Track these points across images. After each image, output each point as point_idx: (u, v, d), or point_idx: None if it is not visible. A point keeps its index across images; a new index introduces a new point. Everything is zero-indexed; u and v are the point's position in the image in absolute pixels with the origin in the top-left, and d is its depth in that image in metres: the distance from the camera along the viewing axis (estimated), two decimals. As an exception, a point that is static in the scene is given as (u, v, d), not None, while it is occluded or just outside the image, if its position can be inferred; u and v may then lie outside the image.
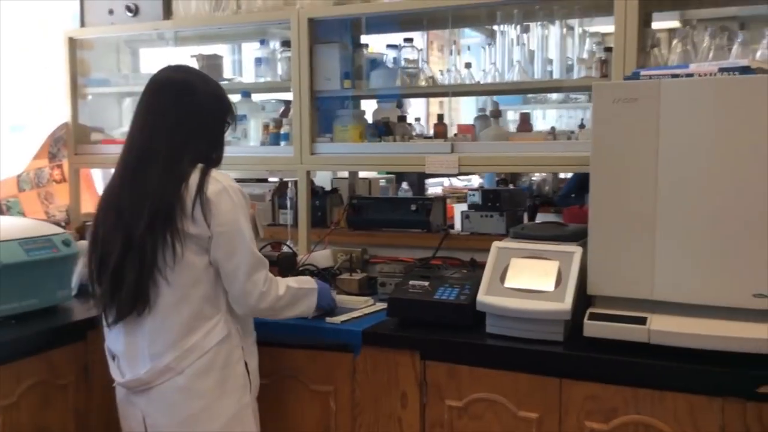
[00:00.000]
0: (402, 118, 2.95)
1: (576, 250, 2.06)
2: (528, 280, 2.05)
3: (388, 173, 3.85)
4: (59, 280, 2.41)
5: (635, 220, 1.94)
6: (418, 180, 4.58)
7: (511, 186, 6.21)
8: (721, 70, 1.95)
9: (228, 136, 2.14)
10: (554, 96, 5.78)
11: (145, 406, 1.89)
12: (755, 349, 1.78)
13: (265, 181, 3.58)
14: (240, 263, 1.86)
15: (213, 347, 1.86)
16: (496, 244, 2.15)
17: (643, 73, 2.06)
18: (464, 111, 6.15)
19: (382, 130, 2.86)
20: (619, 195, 1.97)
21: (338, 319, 2.23)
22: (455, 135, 2.78)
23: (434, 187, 5.88)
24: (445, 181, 6.36)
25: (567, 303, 1.97)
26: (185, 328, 1.85)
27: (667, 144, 1.90)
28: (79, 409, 2.31)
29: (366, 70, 2.90)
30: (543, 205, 3.65)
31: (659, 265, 1.92)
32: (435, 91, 3.18)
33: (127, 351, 1.90)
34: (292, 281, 2.05)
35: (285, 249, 2.62)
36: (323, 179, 3.41)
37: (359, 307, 2.36)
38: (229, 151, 2.13)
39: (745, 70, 1.91)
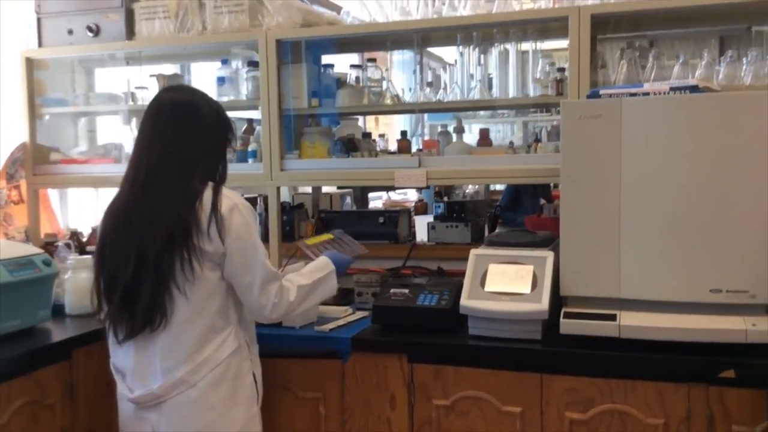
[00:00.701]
0: (367, 135, 3.07)
1: (548, 255, 2.23)
2: (506, 283, 2.21)
3: (343, 188, 3.96)
4: (40, 300, 2.41)
5: (602, 226, 2.13)
6: (361, 194, 4.72)
7: (446, 198, 6.46)
8: (673, 89, 2.17)
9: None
10: (482, 113, 6.09)
11: (156, 420, 1.92)
12: (715, 339, 2.00)
13: (225, 197, 3.62)
14: (254, 277, 1.94)
15: (225, 359, 1.92)
16: (474, 252, 2.30)
17: (602, 92, 2.26)
18: (396, 127, 6.37)
19: (347, 146, 2.98)
20: (586, 203, 2.15)
21: (326, 327, 2.33)
22: (420, 150, 2.93)
23: (375, 201, 6.03)
24: (384, 195, 6.55)
25: (544, 303, 2.13)
26: (199, 341, 1.90)
27: (629, 156, 2.10)
28: (66, 428, 2.30)
29: (333, 90, 3.02)
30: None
31: (624, 266, 2.11)
32: (400, 108, 3.33)
33: (137, 367, 1.94)
34: (305, 277, 2.12)
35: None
36: (282, 194, 3.49)
37: (341, 316, 2.46)
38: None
39: (694, 89, 2.14)
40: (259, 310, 1.97)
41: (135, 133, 3.29)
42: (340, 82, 3.07)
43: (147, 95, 3.31)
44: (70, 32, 3.21)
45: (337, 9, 3.32)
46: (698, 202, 2.04)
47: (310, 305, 2.15)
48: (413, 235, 3.15)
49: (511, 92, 2.89)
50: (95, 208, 3.63)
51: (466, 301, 2.20)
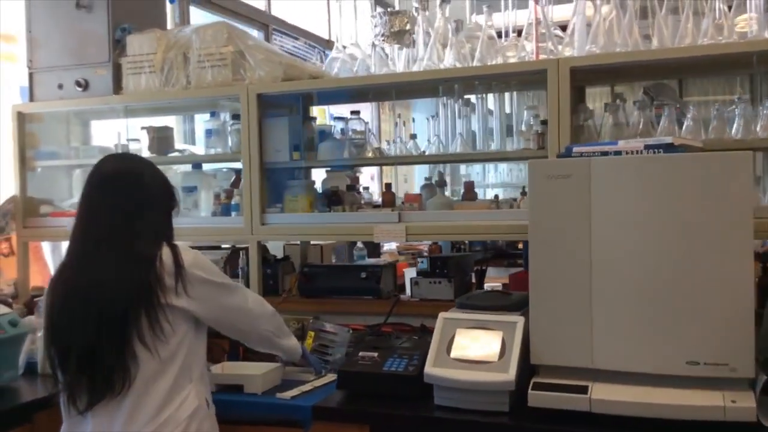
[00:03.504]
0: (351, 187, 3.01)
1: (518, 320, 2.12)
2: (473, 350, 2.10)
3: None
4: (6, 361, 2.38)
5: (572, 290, 2.02)
6: (350, 243, 4.62)
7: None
8: (647, 147, 2.06)
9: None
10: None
11: None
12: (691, 416, 1.86)
13: (219, 248, 3.59)
14: (243, 298, 2.12)
15: (185, 419, 1.87)
16: (442, 315, 2.21)
17: (575, 149, 2.16)
18: (417, 175, 6.32)
19: (330, 199, 2.92)
20: (556, 266, 2.04)
21: (288, 394, 2.24)
22: (402, 203, 2.86)
23: (388, 244, 5.94)
24: (394, 238, 6.45)
25: (511, 374, 2.02)
26: (161, 401, 1.86)
27: (599, 217, 1.99)
28: (25, 494, 2.26)
29: (315, 142, 2.98)
30: (496, 258, 3.75)
31: (597, 334, 1.99)
32: (382, 161, 3.27)
33: None
34: None
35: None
36: (276, 245, 3.45)
37: (308, 380, 2.38)
38: (181, 222, 2.23)
39: (668, 147, 2.02)
40: (261, 312, 2.18)
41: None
42: (324, 134, 3.02)
43: (139, 147, 3.32)
44: (60, 86, 3.25)
45: (330, 45, 3.29)
46: (674, 267, 1.92)
47: (285, 342, 2.29)
48: (399, 289, 3.06)
49: (494, 143, 2.81)
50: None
51: (430, 369, 2.10)
